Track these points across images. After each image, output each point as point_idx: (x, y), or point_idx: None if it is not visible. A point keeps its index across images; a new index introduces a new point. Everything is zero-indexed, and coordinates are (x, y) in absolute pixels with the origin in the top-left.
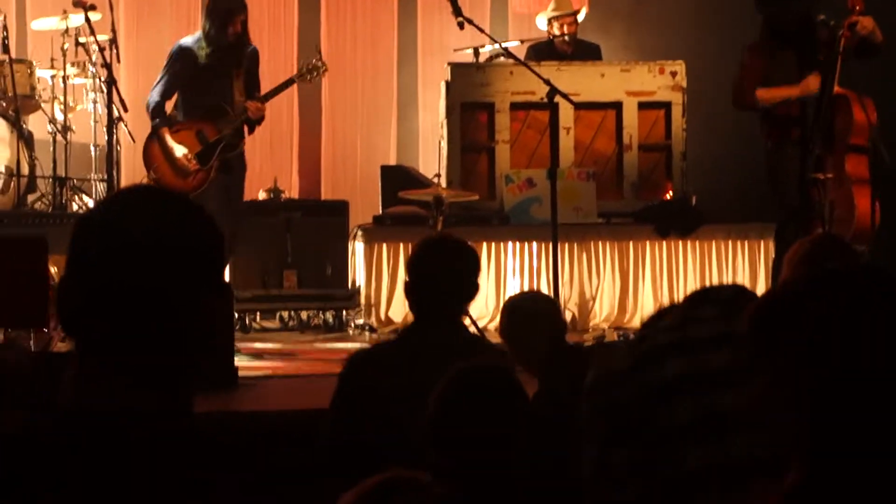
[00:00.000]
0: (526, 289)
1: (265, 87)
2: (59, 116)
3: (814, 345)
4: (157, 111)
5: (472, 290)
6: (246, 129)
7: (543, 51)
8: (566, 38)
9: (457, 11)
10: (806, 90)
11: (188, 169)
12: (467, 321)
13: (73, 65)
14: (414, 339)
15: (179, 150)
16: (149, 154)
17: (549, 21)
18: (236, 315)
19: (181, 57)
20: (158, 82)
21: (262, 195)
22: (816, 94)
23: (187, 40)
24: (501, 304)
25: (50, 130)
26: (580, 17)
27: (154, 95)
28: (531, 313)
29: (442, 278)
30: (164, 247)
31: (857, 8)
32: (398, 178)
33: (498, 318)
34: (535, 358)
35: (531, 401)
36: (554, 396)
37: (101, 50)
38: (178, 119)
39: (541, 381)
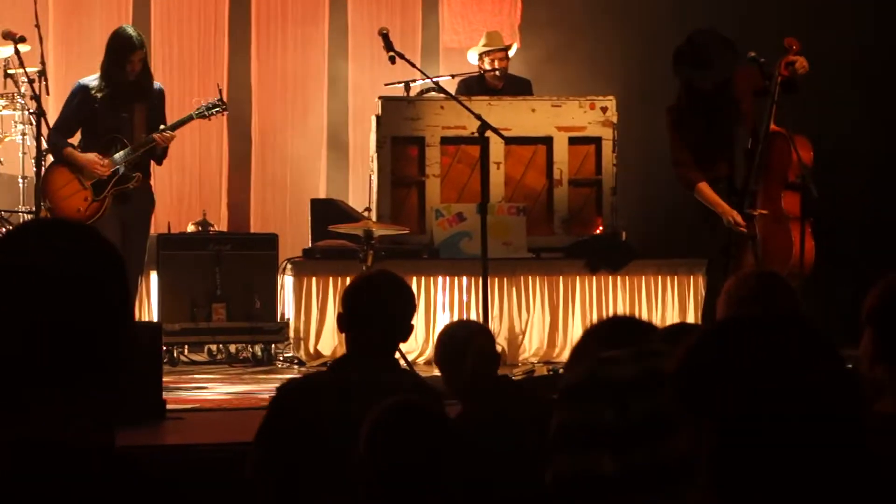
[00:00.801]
0: None
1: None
2: None
3: (718, 397)
4: (53, 142)
5: (406, 330)
6: (153, 162)
7: (474, 85)
8: (497, 72)
9: (388, 46)
10: (729, 216)
11: (99, 172)
12: (397, 355)
13: (1, 96)
14: (345, 372)
15: (89, 157)
16: (46, 185)
17: (480, 56)
18: (164, 347)
19: (79, 94)
20: (58, 119)
21: (190, 228)
22: (751, 133)
23: (88, 79)
24: (432, 339)
25: None
26: (511, 53)
27: (52, 131)
28: (463, 339)
29: (377, 317)
30: (64, 278)
31: (794, 48)
32: (328, 212)
33: (428, 352)
34: (462, 383)
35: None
36: (477, 422)
37: (31, 82)
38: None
39: (465, 406)
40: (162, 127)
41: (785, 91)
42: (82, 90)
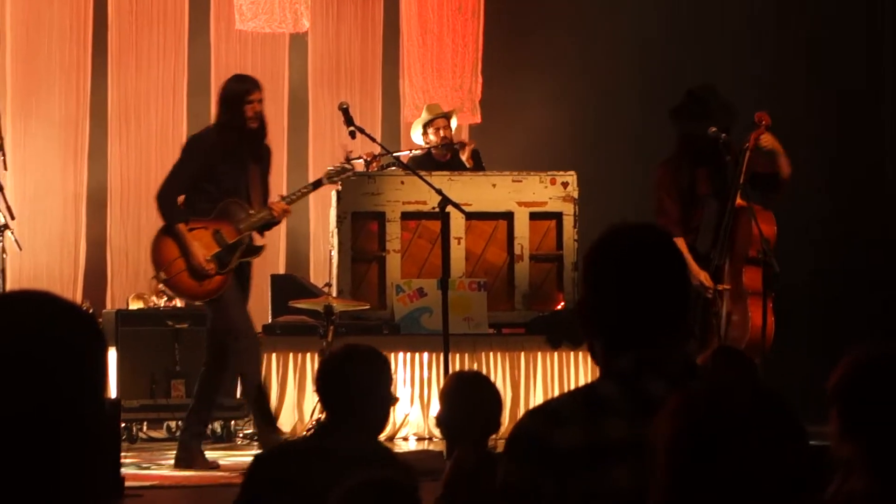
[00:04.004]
0: (416, 400)
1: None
2: None
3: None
4: (169, 206)
5: (382, 402)
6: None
7: (423, 160)
8: (456, 145)
9: (348, 121)
10: (699, 278)
11: (206, 272)
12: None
13: None
14: (322, 441)
15: (199, 251)
16: (159, 251)
17: (424, 129)
18: (123, 424)
19: (196, 149)
20: (171, 175)
21: (154, 300)
22: (716, 206)
23: (203, 133)
24: (393, 415)
25: None
26: (454, 123)
27: (166, 189)
28: (481, 386)
29: (354, 390)
30: (42, 357)
31: (764, 123)
32: (288, 287)
33: (389, 428)
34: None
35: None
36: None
37: None
38: (188, 216)
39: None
40: (281, 197)
41: (760, 186)
42: (198, 145)
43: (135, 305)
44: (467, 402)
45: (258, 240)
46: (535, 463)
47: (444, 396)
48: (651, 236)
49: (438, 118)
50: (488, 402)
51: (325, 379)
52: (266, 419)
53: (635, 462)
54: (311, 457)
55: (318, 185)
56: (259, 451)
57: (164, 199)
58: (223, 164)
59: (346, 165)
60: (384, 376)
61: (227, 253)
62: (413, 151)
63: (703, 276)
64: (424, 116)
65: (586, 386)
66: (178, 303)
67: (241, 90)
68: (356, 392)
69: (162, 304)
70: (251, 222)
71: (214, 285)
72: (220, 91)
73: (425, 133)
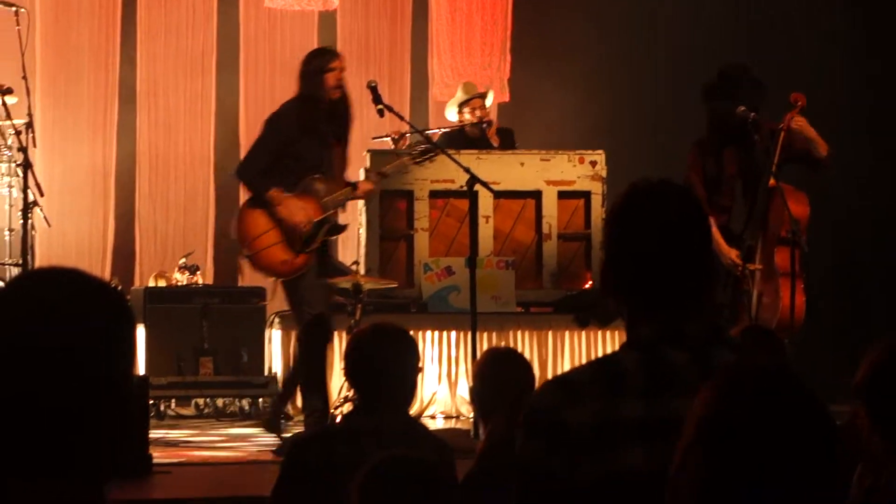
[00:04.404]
0: (444, 378)
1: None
2: None
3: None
4: (256, 177)
5: (411, 381)
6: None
7: (456, 137)
8: (484, 123)
9: (377, 99)
10: (728, 256)
11: (301, 230)
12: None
13: None
14: (355, 422)
15: (298, 213)
16: (244, 226)
17: (459, 108)
18: (151, 402)
19: (276, 124)
20: (251, 152)
21: (177, 276)
22: (748, 186)
23: (283, 108)
24: (421, 393)
25: None
26: (488, 101)
27: (247, 165)
28: (513, 361)
29: (375, 370)
30: (67, 338)
31: (800, 104)
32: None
33: (416, 406)
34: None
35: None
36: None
37: (17, 133)
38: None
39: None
40: (367, 171)
41: (797, 160)
42: (279, 119)
43: (157, 284)
44: (499, 376)
45: (342, 217)
46: (546, 438)
47: (478, 371)
48: (673, 194)
49: (475, 98)
50: (520, 376)
51: (353, 360)
52: (282, 405)
53: (650, 442)
54: (347, 438)
55: (401, 168)
56: (296, 435)
57: (248, 173)
58: (304, 138)
59: (428, 146)
60: (411, 355)
61: (313, 230)
62: (442, 129)
63: (732, 255)
64: (461, 96)
65: (606, 357)
66: (201, 280)
67: (321, 59)
68: (384, 372)
69: (184, 282)
70: (336, 199)
71: (298, 264)
72: (300, 66)
73: (460, 112)
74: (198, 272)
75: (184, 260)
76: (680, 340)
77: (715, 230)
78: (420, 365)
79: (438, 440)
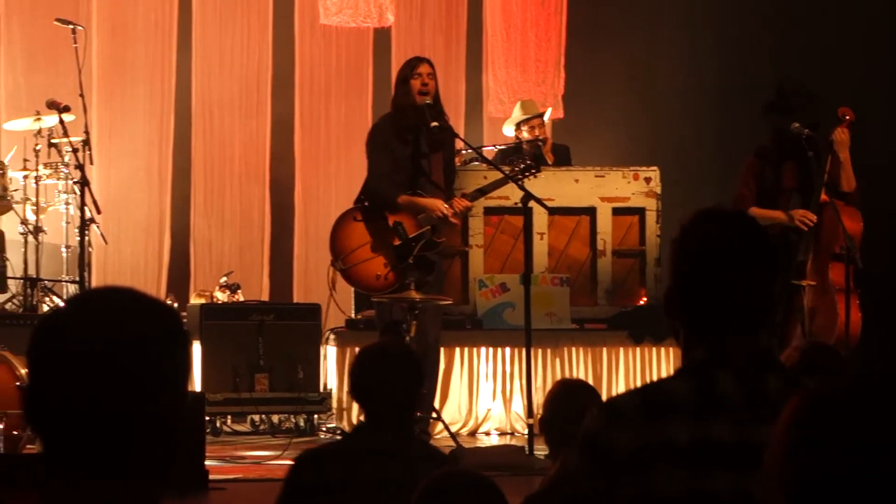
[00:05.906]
0: (498, 395)
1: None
2: (31, 217)
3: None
4: (382, 189)
5: (412, 398)
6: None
7: (511, 154)
8: (539, 141)
9: (431, 116)
10: (793, 220)
11: (449, 221)
12: (440, 426)
13: (45, 166)
14: (358, 441)
15: (438, 203)
16: (339, 239)
17: (518, 126)
18: (207, 418)
19: (375, 137)
20: (371, 171)
21: (218, 294)
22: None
23: (379, 121)
24: (475, 410)
25: (21, 231)
26: (546, 117)
27: (371, 182)
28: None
29: (379, 388)
30: (122, 356)
31: (847, 118)
32: None
33: (471, 423)
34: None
35: None
36: None
37: (75, 151)
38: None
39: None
40: (463, 193)
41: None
42: (376, 131)
43: (196, 302)
44: (571, 407)
45: (440, 235)
46: (591, 461)
47: (548, 401)
48: (739, 223)
49: (535, 117)
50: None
51: (355, 378)
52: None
53: (694, 467)
54: (350, 457)
55: (500, 184)
56: (300, 453)
57: (373, 188)
58: (400, 146)
59: (529, 163)
60: (412, 376)
61: (406, 245)
62: (497, 146)
63: (798, 215)
64: (519, 115)
65: (657, 382)
66: (241, 298)
67: (406, 67)
68: (385, 392)
69: (225, 300)
70: (430, 216)
71: (391, 280)
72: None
73: (518, 129)
74: (238, 291)
75: (224, 279)
76: (730, 365)
77: (767, 210)
78: (423, 388)
79: (446, 460)
